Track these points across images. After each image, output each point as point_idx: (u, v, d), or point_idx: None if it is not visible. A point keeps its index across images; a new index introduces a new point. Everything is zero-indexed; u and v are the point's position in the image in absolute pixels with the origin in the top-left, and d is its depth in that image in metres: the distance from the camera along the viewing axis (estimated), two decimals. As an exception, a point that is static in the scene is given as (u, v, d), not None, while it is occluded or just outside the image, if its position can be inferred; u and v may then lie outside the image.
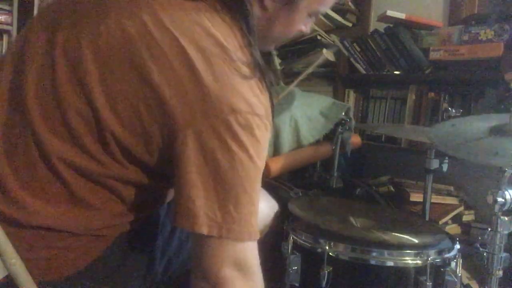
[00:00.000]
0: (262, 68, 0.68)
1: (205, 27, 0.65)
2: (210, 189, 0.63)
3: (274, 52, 2.28)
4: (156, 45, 0.63)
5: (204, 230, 0.63)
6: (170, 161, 0.65)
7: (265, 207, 1.11)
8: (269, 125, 0.68)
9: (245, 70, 0.65)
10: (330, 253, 0.93)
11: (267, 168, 1.44)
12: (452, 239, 1.04)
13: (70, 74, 0.66)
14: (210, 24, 0.65)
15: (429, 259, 0.91)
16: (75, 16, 0.70)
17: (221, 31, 0.66)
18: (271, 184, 1.41)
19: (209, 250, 0.65)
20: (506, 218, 0.98)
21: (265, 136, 0.67)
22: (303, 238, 0.99)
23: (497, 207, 0.96)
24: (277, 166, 1.47)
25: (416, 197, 1.63)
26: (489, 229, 1.00)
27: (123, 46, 0.64)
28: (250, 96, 0.64)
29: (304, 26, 0.82)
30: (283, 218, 1.10)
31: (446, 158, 1.30)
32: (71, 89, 0.65)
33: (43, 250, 0.68)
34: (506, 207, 0.96)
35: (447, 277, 0.95)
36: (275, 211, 1.11)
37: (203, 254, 0.65)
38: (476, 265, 1.41)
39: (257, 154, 0.65)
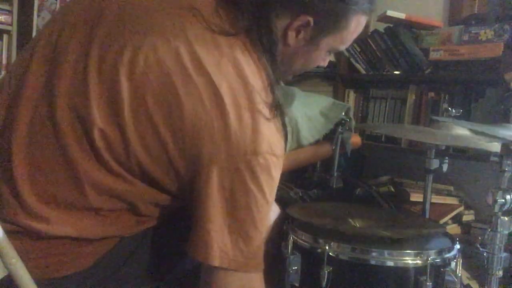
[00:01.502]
0: (281, 107, 0.71)
1: (238, 68, 0.67)
2: (225, 224, 0.67)
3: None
4: (191, 82, 0.65)
5: (216, 262, 0.67)
6: (191, 191, 0.68)
7: None
8: (281, 162, 0.71)
9: (267, 111, 0.68)
10: (330, 253, 0.93)
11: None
12: (452, 239, 1.04)
13: (103, 95, 0.66)
14: (242, 65, 0.67)
15: (429, 259, 0.91)
16: (116, 23, 0.69)
17: (251, 71, 0.68)
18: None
19: (218, 280, 0.69)
20: (506, 218, 0.98)
21: (279, 174, 0.70)
22: (303, 238, 0.99)
23: (497, 207, 0.96)
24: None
25: (416, 197, 1.63)
26: (489, 229, 1.00)
27: (158, 79, 0.65)
28: (271, 137, 0.68)
29: (323, 61, 0.85)
30: (283, 218, 1.10)
31: (446, 158, 1.30)
32: (102, 112, 0.66)
33: (57, 256, 0.70)
34: (506, 207, 0.96)
35: (447, 277, 0.95)
36: (277, 215, 1.11)
37: (211, 283, 0.70)
38: (476, 265, 1.41)
39: (270, 192, 0.69)
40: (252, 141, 0.65)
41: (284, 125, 0.73)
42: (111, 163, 0.67)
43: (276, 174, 0.69)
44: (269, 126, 0.68)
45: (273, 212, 1.12)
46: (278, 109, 0.70)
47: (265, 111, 0.67)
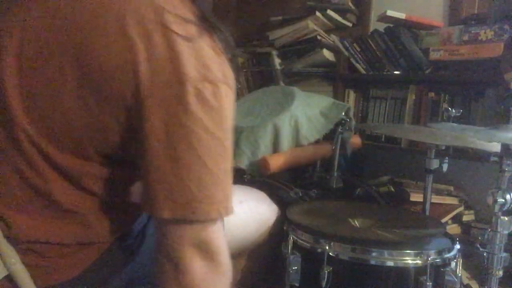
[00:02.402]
0: (213, 24, 0.62)
1: None
2: (170, 171, 0.58)
3: (274, 52, 2.28)
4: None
5: (165, 213, 0.59)
6: (134, 148, 0.62)
7: (266, 211, 1.11)
8: (229, 90, 0.61)
9: (191, 29, 0.59)
10: (330, 253, 0.93)
11: (266, 164, 1.45)
12: (452, 239, 1.04)
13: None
14: None
15: (429, 259, 0.91)
16: None
17: None
18: (271, 184, 1.41)
19: (171, 231, 0.61)
20: (506, 218, 0.98)
21: (224, 104, 0.60)
22: (303, 238, 0.99)
23: (497, 207, 0.97)
24: (277, 162, 1.47)
25: (416, 197, 1.63)
26: (489, 229, 1.00)
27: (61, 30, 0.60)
28: (200, 60, 0.58)
29: None
30: (283, 219, 1.10)
31: (446, 158, 1.30)
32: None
33: (34, 260, 0.66)
34: (506, 207, 0.96)
35: (447, 277, 0.95)
36: (276, 215, 1.11)
37: (165, 236, 0.62)
38: (476, 265, 1.41)
39: (217, 125, 0.59)
40: (174, 69, 0.57)
41: (229, 47, 0.62)
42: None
43: (220, 103, 0.59)
44: (195, 47, 0.58)
45: (273, 211, 1.12)
46: (207, 25, 0.60)
47: (187, 29, 0.58)
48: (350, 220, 1.11)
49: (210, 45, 0.60)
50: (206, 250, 0.62)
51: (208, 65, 0.59)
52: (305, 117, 1.58)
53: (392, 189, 1.77)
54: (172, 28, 0.57)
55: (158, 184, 0.59)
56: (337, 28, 2.14)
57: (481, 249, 1.02)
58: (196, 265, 0.61)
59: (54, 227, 0.65)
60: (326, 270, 0.92)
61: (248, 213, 1.03)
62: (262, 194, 1.13)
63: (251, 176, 1.49)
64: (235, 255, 0.68)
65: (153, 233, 0.78)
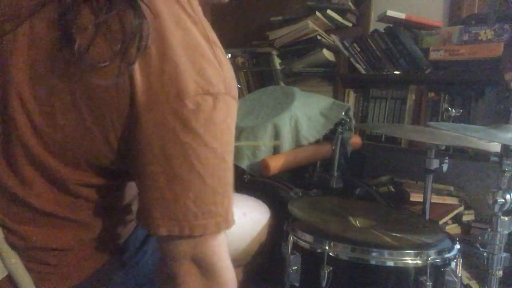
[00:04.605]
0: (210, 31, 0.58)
1: None
2: (164, 188, 0.57)
3: (274, 52, 2.28)
4: None
5: (164, 231, 0.58)
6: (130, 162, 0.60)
7: (265, 220, 1.11)
8: (231, 100, 0.59)
9: (190, 36, 0.56)
10: (330, 253, 0.93)
11: (266, 166, 1.45)
12: (452, 239, 1.04)
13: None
14: None
15: (429, 259, 0.91)
16: None
17: None
18: (271, 184, 1.41)
19: (168, 247, 0.60)
20: (506, 218, 0.98)
21: (224, 115, 0.58)
22: (303, 238, 0.99)
23: (497, 207, 0.97)
24: (276, 164, 1.47)
25: (416, 197, 1.63)
26: (489, 229, 1.00)
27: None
28: (200, 71, 0.55)
29: None
30: (283, 218, 1.10)
31: (446, 158, 1.31)
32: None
33: (36, 267, 0.65)
34: (506, 207, 0.96)
35: (447, 277, 0.95)
36: (268, 217, 1.11)
37: (163, 250, 0.61)
38: (476, 265, 1.41)
39: (216, 140, 0.57)
40: (171, 83, 0.53)
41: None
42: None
43: (220, 114, 0.57)
44: (192, 57, 0.55)
45: (263, 213, 1.12)
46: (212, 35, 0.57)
47: (184, 38, 0.55)
48: (350, 220, 1.11)
49: (211, 52, 0.57)
50: (204, 266, 0.60)
51: (208, 76, 0.56)
52: (305, 117, 1.58)
53: (392, 189, 1.78)
54: (168, 38, 0.54)
55: (154, 201, 0.58)
56: (337, 28, 2.14)
57: (481, 249, 1.02)
58: (192, 280, 0.60)
59: (50, 233, 0.64)
60: (326, 270, 0.92)
61: (252, 225, 1.03)
62: (259, 203, 1.13)
63: (251, 176, 1.49)
64: (235, 266, 0.66)
65: (154, 248, 0.78)
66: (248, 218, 1.03)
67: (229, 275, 0.62)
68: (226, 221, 0.60)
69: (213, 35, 0.59)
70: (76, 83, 0.55)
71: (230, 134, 0.60)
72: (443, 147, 1.39)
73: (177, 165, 0.56)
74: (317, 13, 2.09)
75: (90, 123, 0.57)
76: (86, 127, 0.57)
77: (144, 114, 0.54)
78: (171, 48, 0.54)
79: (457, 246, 1.00)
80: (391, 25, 1.91)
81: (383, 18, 1.89)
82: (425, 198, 1.35)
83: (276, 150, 1.54)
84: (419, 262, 0.92)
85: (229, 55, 2.43)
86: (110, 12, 0.53)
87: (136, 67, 0.54)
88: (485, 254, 1.01)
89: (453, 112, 1.33)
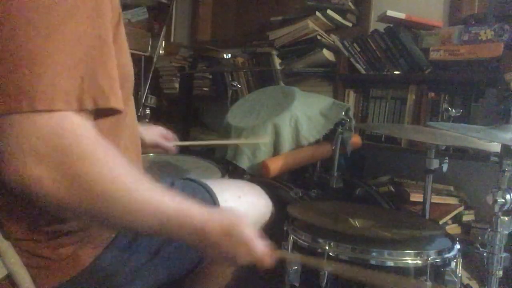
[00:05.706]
0: None
1: None
2: None
3: (274, 52, 2.28)
4: None
5: None
6: None
7: (263, 206, 1.10)
8: None
9: None
10: (330, 253, 0.93)
11: (267, 168, 1.45)
12: (452, 239, 1.04)
13: None
14: None
15: (429, 259, 0.91)
16: None
17: None
18: (271, 184, 1.41)
19: (8, 129, 0.50)
20: (506, 218, 0.98)
21: None
22: (303, 238, 0.99)
23: (497, 207, 0.96)
24: (276, 166, 1.47)
25: (416, 197, 1.63)
26: (489, 229, 1.00)
27: None
28: None
29: None
30: (283, 218, 1.10)
31: (446, 158, 1.31)
32: None
33: (27, 260, 0.66)
34: (506, 207, 0.96)
35: (447, 277, 0.94)
36: (271, 210, 1.10)
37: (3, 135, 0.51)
38: (476, 265, 1.41)
39: None
40: None
41: None
42: None
43: None
44: None
45: (268, 207, 1.11)
46: None
47: None
48: (350, 219, 1.11)
49: None
50: (48, 154, 0.51)
51: None
52: (305, 117, 1.58)
53: (392, 189, 1.78)
54: None
55: None
56: (337, 28, 2.14)
57: (481, 249, 1.02)
58: (35, 172, 0.51)
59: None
60: (326, 270, 0.92)
61: (247, 208, 1.02)
62: (258, 188, 1.12)
63: (251, 175, 1.49)
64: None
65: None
66: (244, 201, 1.02)
67: (97, 169, 0.54)
68: (67, 99, 0.51)
69: None
70: None
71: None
72: (443, 147, 1.39)
73: (2, 27, 0.49)
74: (317, 13, 2.09)
75: None
76: None
77: None
78: None
79: (457, 246, 1.00)
80: (391, 25, 1.91)
81: (383, 18, 1.89)
82: (425, 198, 1.35)
83: (276, 150, 1.54)
84: (419, 262, 0.92)
85: (229, 55, 2.43)
86: None
87: None
88: (485, 254, 1.01)
89: (453, 112, 1.33)
